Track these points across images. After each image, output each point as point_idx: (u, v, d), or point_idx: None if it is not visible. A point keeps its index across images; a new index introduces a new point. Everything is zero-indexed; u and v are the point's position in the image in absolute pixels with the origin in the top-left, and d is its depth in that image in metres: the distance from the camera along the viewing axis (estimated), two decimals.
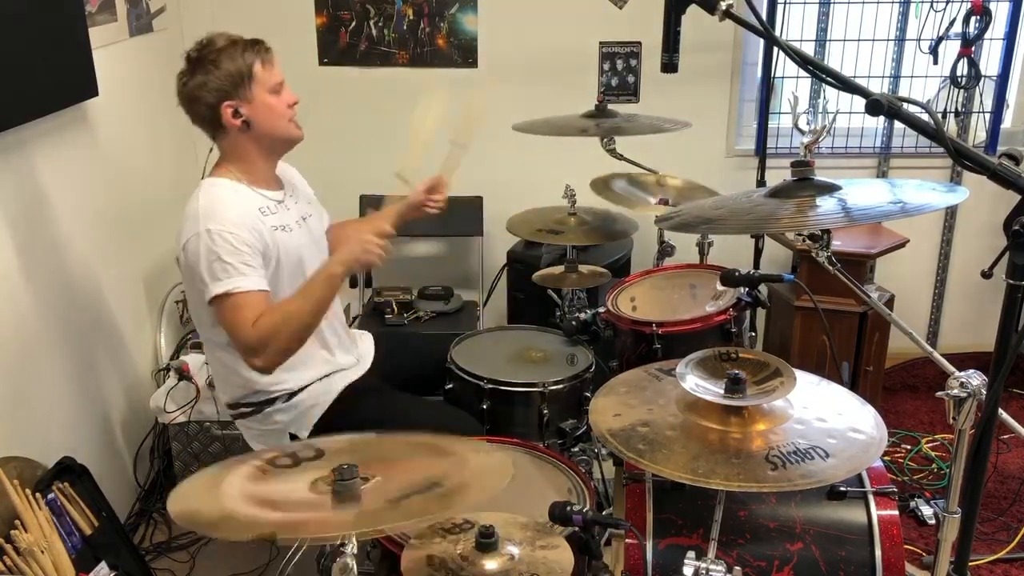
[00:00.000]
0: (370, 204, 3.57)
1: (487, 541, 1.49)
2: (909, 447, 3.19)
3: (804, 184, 1.74)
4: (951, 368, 1.58)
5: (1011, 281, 1.40)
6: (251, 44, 2.11)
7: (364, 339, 2.46)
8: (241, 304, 1.99)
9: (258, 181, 2.16)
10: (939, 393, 1.46)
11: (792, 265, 3.43)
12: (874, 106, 1.38)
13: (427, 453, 1.54)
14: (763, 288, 2.36)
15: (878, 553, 1.69)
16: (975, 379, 1.43)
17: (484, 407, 2.31)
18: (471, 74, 3.53)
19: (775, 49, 3.00)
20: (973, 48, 3.36)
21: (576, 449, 2.44)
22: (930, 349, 1.81)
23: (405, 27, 3.48)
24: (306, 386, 2.20)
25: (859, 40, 3.49)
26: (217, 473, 1.43)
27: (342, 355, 2.30)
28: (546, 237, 2.68)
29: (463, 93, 2.30)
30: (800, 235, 1.84)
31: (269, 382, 2.16)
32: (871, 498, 1.74)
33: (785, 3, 3.41)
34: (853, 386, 3.11)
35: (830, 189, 1.72)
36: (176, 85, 2.11)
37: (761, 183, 3.30)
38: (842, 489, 1.72)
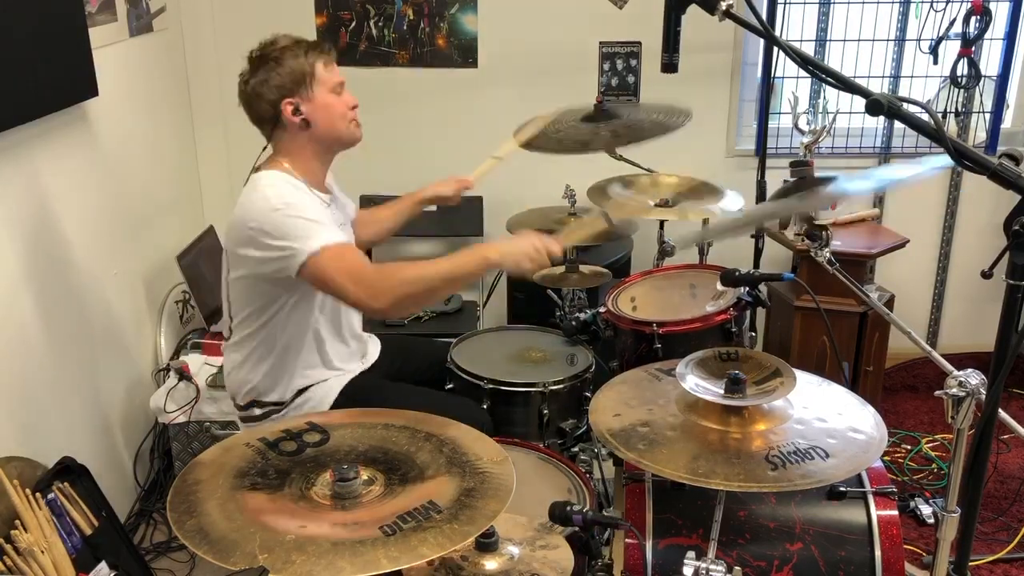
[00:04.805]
0: (370, 204, 3.57)
1: (487, 541, 1.49)
2: (909, 447, 3.18)
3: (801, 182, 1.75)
4: (950, 367, 1.58)
5: (1011, 281, 1.40)
6: (314, 45, 2.13)
7: (372, 342, 2.46)
8: (344, 253, 1.98)
9: (311, 181, 2.17)
10: (937, 392, 1.46)
11: (792, 265, 3.42)
12: (874, 106, 1.38)
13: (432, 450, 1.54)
14: (763, 288, 2.36)
15: (878, 553, 1.70)
16: (973, 378, 1.43)
17: (484, 407, 2.31)
18: (471, 74, 3.53)
19: (775, 49, 3.00)
20: (973, 48, 3.35)
21: (576, 449, 2.44)
22: (928, 348, 1.81)
23: (405, 27, 3.48)
24: (310, 386, 2.22)
25: (859, 40, 3.49)
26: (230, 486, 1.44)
27: (345, 365, 2.30)
28: None
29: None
30: (799, 235, 1.84)
31: (273, 387, 2.18)
32: (871, 498, 1.75)
33: (785, 3, 3.41)
34: (853, 386, 3.11)
35: None
36: (238, 85, 2.12)
37: (761, 183, 3.29)
38: (842, 489, 1.72)
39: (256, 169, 2.17)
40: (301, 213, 1.99)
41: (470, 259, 2.03)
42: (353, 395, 2.22)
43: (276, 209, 1.99)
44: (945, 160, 1.33)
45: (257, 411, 2.22)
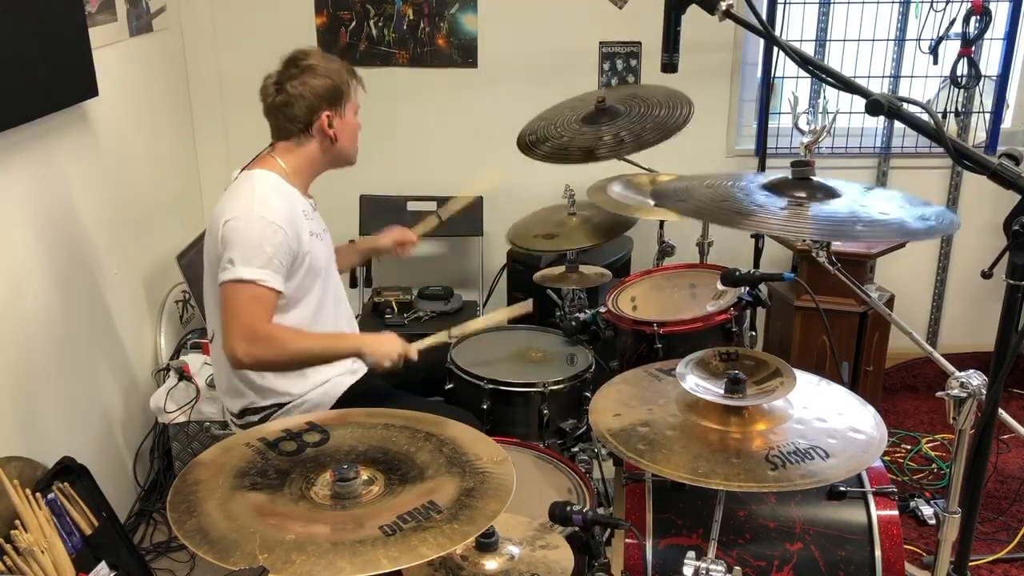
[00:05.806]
0: (369, 204, 3.57)
1: (487, 541, 1.49)
2: (909, 447, 3.18)
3: (803, 184, 1.74)
4: (951, 368, 1.58)
5: (1011, 281, 1.40)
6: (350, 67, 2.19)
7: None
8: (263, 298, 1.99)
9: (303, 186, 2.19)
10: (939, 393, 1.46)
11: (792, 265, 3.42)
12: (874, 106, 1.38)
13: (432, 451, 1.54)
14: (763, 288, 2.36)
15: (878, 553, 1.70)
16: (975, 379, 1.43)
17: (484, 407, 2.31)
18: (471, 74, 3.53)
19: (775, 49, 3.00)
20: (973, 48, 3.36)
21: (576, 449, 2.44)
22: (930, 349, 1.80)
23: (405, 27, 3.48)
24: (312, 389, 2.22)
25: (859, 40, 3.49)
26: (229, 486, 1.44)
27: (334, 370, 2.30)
28: (545, 243, 2.68)
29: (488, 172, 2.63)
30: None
31: (276, 387, 2.18)
32: (871, 498, 1.75)
33: (785, 3, 3.41)
34: (853, 386, 3.11)
35: (829, 195, 1.71)
36: (269, 81, 2.13)
37: None
38: (842, 489, 1.72)
39: (246, 168, 2.17)
40: (266, 240, 1.99)
41: (346, 347, 2.15)
42: (351, 403, 2.21)
43: (251, 216, 2.00)
44: None
45: (253, 418, 2.22)
